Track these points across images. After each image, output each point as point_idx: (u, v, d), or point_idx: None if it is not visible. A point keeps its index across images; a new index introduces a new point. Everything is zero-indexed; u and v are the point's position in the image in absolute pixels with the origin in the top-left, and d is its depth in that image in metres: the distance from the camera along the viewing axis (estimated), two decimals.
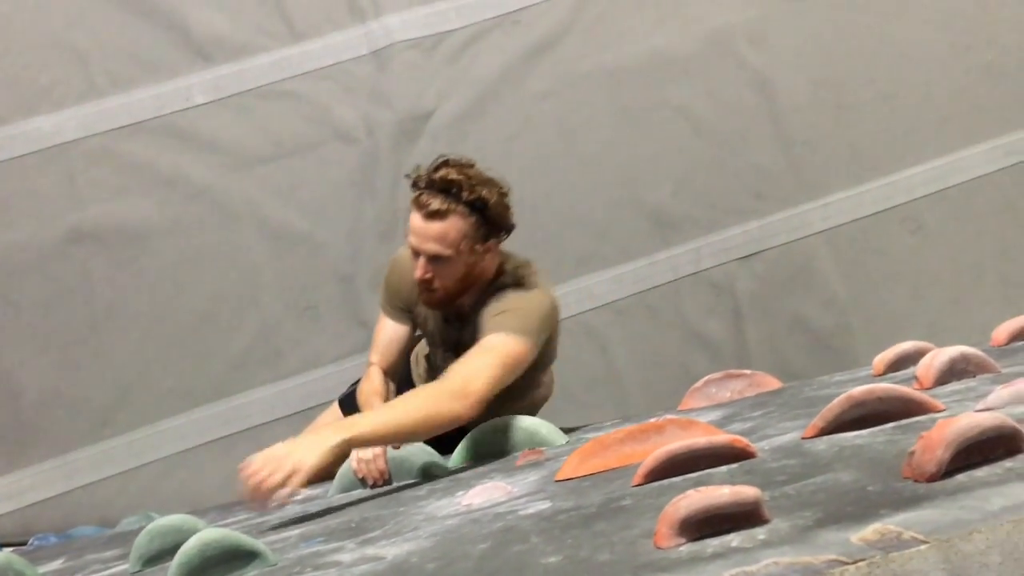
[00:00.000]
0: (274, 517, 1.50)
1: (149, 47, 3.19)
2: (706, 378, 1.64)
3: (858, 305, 3.35)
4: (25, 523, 2.91)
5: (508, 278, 1.87)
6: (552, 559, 0.76)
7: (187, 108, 3.22)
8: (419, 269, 1.86)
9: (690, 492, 0.72)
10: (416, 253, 1.86)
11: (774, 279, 3.35)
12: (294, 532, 1.27)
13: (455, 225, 1.80)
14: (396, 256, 2.12)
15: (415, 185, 1.89)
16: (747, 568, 0.63)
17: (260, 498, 1.36)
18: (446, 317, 1.99)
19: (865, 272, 3.35)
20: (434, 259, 1.84)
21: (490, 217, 1.84)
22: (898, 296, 3.35)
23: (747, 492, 0.71)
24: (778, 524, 0.71)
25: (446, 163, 1.86)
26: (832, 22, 3.37)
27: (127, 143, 3.17)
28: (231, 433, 3.05)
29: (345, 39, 3.26)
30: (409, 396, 1.63)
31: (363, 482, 1.60)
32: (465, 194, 1.80)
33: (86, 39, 3.17)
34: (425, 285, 1.88)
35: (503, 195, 1.88)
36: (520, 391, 1.95)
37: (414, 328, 2.11)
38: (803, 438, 1.04)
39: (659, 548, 0.72)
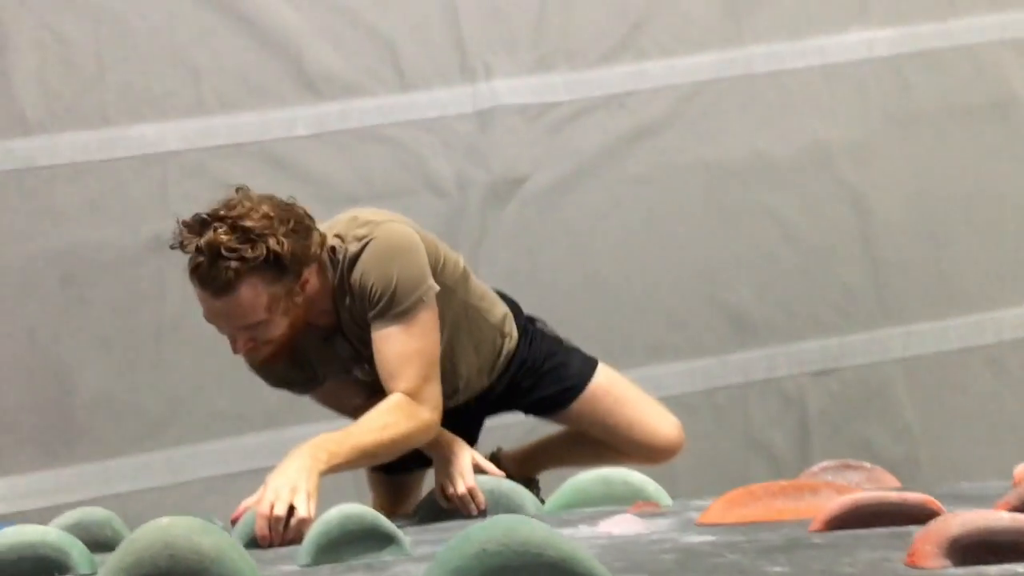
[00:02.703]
0: None
1: (261, 74, 3.24)
2: (822, 464, 1.56)
3: (930, 439, 3.24)
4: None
5: (346, 264, 1.55)
6: (778, 568, 0.68)
7: (288, 137, 3.25)
8: (234, 344, 1.56)
9: (960, 512, 0.65)
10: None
11: (847, 399, 3.26)
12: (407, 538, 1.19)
13: (251, 291, 1.47)
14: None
15: (183, 249, 1.52)
16: None
17: (278, 532, 1.25)
18: (324, 337, 1.66)
19: (942, 407, 3.26)
20: (246, 328, 1.54)
21: (293, 260, 1.50)
22: (973, 437, 3.24)
23: None
24: None
25: (208, 221, 1.50)
26: (936, 153, 3.36)
27: (224, 161, 3.19)
28: (275, 464, 2.97)
29: (452, 95, 3.30)
30: (382, 414, 1.44)
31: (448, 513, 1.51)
32: (248, 252, 1.46)
33: (203, 57, 3.23)
34: (251, 354, 1.60)
35: (294, 223, 1.52)
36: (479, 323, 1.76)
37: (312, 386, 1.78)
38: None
39: (916, 567, 0.64)
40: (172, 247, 1.56)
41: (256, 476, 2.98)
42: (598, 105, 3.32)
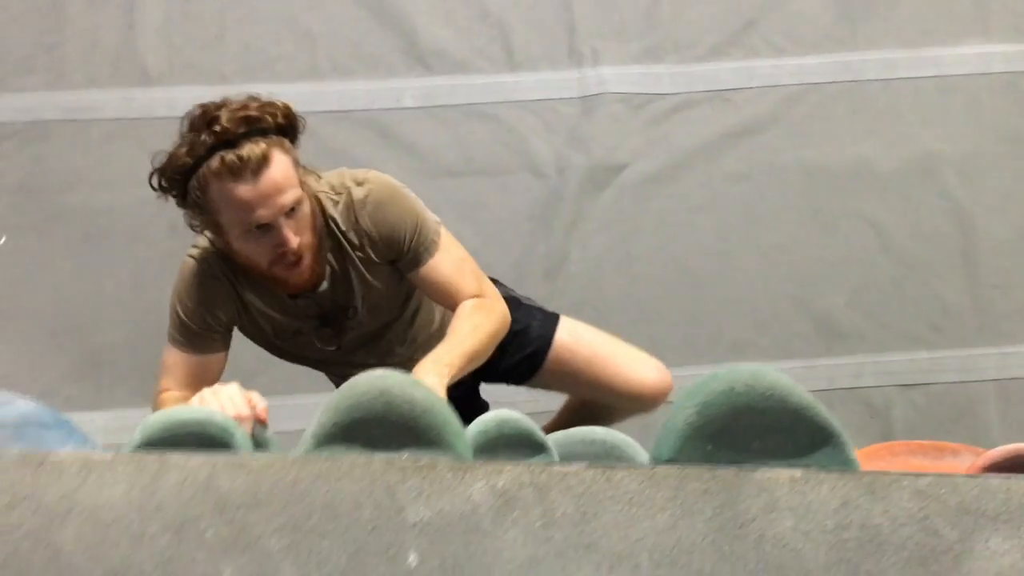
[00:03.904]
0: None
1: (375, 44, 3.31)
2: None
3: None
4: None
5: (334, 194, 1.57)
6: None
7: (394, 108, 3.31)
8: (284, 240, 1.47)
9: None
10: (266, 227, 1.48)
11: (934, 416, 3.19)
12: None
13: (282, 160, 1.45)
14: (188, 270, 1.70)
15: (191, 155, 1.46)
16: None
17: None
18: (292, 295, 1.63)
19: None
20: (290, 214, 1.48)
21: (292, 122, 1.52)
22: None
23: None
24: None
25: (205, 119, 1.46)
26: None
27: (331, 127, 3.26)
28: None
29: (558, 79, 3.33)
30: (466, 319, 1.49)
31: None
32: (263, 124, 1.45)
33: (320, 24, 3.31)
34: (294, 257, 1.51)
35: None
36: None
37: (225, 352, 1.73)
38: None
39: None
40: (159, 172, 1.55)
41: None
42: (703, 100, 3.32)
